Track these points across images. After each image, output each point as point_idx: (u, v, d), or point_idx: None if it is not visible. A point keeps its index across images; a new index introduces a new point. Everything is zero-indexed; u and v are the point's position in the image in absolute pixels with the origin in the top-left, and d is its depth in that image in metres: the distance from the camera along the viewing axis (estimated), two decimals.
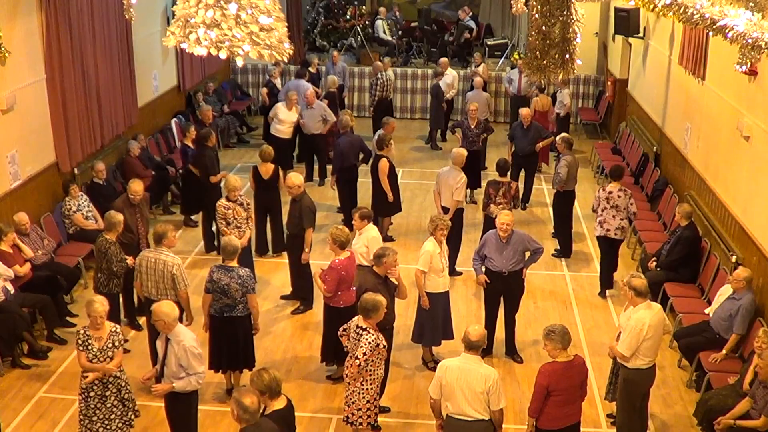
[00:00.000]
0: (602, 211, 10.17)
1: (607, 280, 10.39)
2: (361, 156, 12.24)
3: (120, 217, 8.60)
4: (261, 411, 5.58)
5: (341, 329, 7.03)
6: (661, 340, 7.14)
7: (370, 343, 6.62)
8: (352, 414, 6.84)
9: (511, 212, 8.91)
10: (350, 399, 6.83)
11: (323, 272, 8.09)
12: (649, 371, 7.09)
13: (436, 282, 8.42)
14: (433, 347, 8.81)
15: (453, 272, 10.36)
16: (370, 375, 6.76)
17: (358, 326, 6.77)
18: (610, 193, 10.14)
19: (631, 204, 10.17)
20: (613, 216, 10.08)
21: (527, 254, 8.74)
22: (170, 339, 6.50)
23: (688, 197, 11.06)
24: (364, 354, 6.63)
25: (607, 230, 10.13)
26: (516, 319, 8.96)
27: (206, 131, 11.56)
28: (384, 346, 6.79)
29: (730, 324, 8.12)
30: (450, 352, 8.25)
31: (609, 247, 10.28)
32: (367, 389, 6.77)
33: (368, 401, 6.81)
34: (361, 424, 6.86)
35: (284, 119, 13.57)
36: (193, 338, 6.57)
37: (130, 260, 8.47)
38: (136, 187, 9.53)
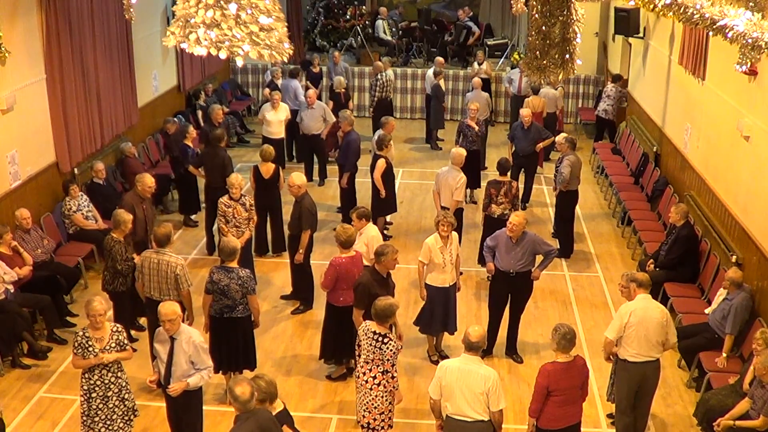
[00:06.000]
0: (601, 101, 15.51)
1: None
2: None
3: (128, 216, 8.55)
4: None
5: (356, 344, 6.96)
6: (655, 337, 6.98)
7: (393, 351, 6.65)
8: (374, 419, 6.80)
9: (522, 213, 8.87)
10: (372, 404, 6.75)
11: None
12: (636, 366, 7.04)
13: (435, 276, 8.50)
14: (439, 344, 8.86)
15: None
16: (392, 378, 6.78)
17: (375, 332, 6.69)
18: (607, 88, 15.56)
19: (621, 93, 15.44)
20: (604, 100, 15.45)
21: (539, 258, 8.73)
22: (176, 338, 6.50)
23: (688, 197, 11.05)
24: (393, 366, 6.68)
25: (599, 111, 15.60)
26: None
27: (220, 132, 11.45)
28: (401, 348, 6.81)
29: (724, 325, 8.15)
30: (453, 354, 8.25)
31: (601, 124, 15.76)
32: (390, 391, 6.78)
33: (390, 403, 6.83)
34: (383, 428, 6.86)
35: (271, 120, 13.54)
36: (199, 333, 6.66)
37: (137, 258, 8.45)
38: (149, 181, 9.55)
